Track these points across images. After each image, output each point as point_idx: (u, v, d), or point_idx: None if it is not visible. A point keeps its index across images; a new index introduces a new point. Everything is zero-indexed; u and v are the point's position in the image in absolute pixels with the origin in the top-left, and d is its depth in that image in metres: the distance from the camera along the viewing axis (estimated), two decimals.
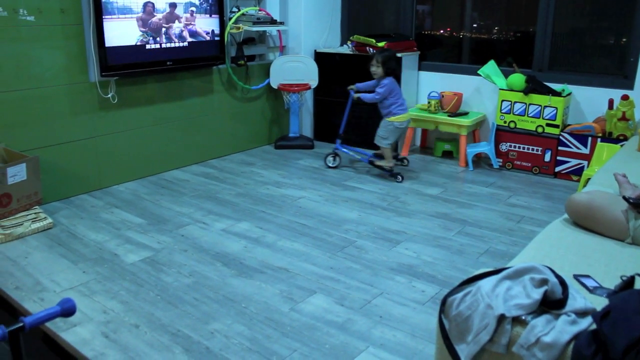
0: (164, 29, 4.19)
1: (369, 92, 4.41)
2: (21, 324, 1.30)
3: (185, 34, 4.35)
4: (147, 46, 4.11)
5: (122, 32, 3.93)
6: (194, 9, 4.38)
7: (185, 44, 4.38)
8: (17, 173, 3.37)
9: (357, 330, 2.41)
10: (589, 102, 4.47)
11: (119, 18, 3.89)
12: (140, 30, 4.04)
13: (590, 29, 4.53)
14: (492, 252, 3.17)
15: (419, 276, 2.88)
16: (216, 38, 4.61)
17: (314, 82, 5.21)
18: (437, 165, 4.85)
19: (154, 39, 4.13)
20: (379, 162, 4.52)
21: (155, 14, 4.10)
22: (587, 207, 2.22)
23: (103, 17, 3.79)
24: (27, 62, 3.60)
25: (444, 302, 1.68)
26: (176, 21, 4.26)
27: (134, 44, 4.01)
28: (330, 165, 4.72)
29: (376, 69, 4.33)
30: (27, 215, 3.42)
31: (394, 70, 4.36)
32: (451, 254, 3.15)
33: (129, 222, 3.56)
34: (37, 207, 3.53)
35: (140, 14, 4.01)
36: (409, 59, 5.09)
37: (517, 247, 3.20)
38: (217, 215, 3.68)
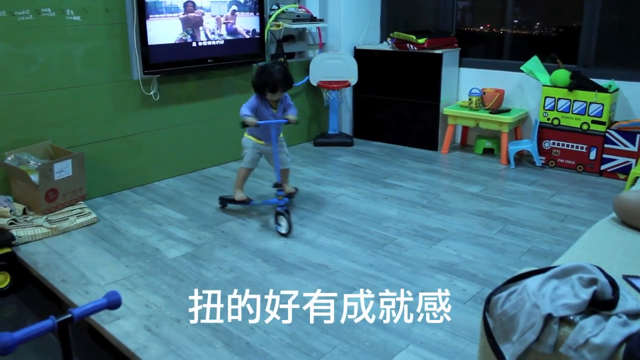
0: (203, 28, 4.24)
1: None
2: (70, 315, 1.33)
3: (224, 32, 4.38)
4: (189, 44, 4.16)
5: (164, 30, 3.99)
6: (235, 7, 4.41)
7: (226, 42, 4.41)
8: (63, 169, 3.45)
9: (397, 328, 2.38)
10: (638, 97, 4.33)
11: (165, 17, 3.94)
12: (182, 29, 4.09)
13: (639, 22, 4.39)
14: (534, 251, 3.10)
15: (460, 275, 2.84)
16: (256, 36, 4.63)
17: (353, 79, 5.19)
18: (477, 162, 4.78)
19: (194, 37, 4.18)
20: (289, 189, 3.75)
21: (195, 12, 4.15)
22: (637, 206, 2.15)
23: (146, 15, 3.85)
24: (72, 61, 3.68)
25: (488, 301, 1.65)
26: (215, 19, 4.30)
27: (175, 42, 4.07)
28: (283, 232, 3.33)
29: (280, 94, 3.47)
30: (72, 210, 3.50)
31: None
32: (493, 252, 3.09)
33: (170, 217, 3.61)
34: (81, 202, 3.61)
35: (181, 13, 4.06)
36: (449, 56, 5.02)
37: (561, 246, 3.12)
38: (256, 211, 3.70)
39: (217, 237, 3.32)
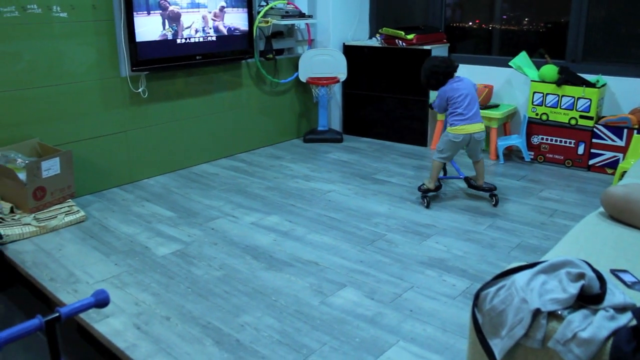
0: (188, 24, 4.21)
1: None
2: (57, 314, 1.32)
3: (211, 28, 4.36)
4: (176, 41, 4.14)
5: (151, 27, 3.96)
6: (224, 4, 4.39)
7: (214, 38, 4.39)
8: (51, 167, 3.42)
9: (387, 324, 2.39)
10: (625, 93, 4.36)
11: (150, 13, 3.91)
12: (168, 25, 4.06)
13: (626, 18, 4.42)
14: (524, 246, 3.12)
15: (450, 270, 2.85)
16: (237, 33, 4.60)
17: (342, 75, 5.18)
18: (466, 158, 4.76)
19: (178, 33, 4.15)
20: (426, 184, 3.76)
21: (173, 8, 4.11)
22: (625, 200, 2.16)
23: (134, 12, 3.82)
24: (60, 58, 3.65)
25: (477, 296, 1.66)
26: (202, 16, 4.28)
27: (162, 39, 4.04)
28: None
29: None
30: (61, 208, 3.48)
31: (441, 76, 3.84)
32: (482, 247, 3.11)
33: (159, 215, 3.60)
34: (70, 200, 3.59)
35: (166, 10, 4.03)
36: (438, 51, 5.03)
37: (550, 241, 3.14)
38: (246, 208, 3.69)
39: (207, 234, 3.31)
